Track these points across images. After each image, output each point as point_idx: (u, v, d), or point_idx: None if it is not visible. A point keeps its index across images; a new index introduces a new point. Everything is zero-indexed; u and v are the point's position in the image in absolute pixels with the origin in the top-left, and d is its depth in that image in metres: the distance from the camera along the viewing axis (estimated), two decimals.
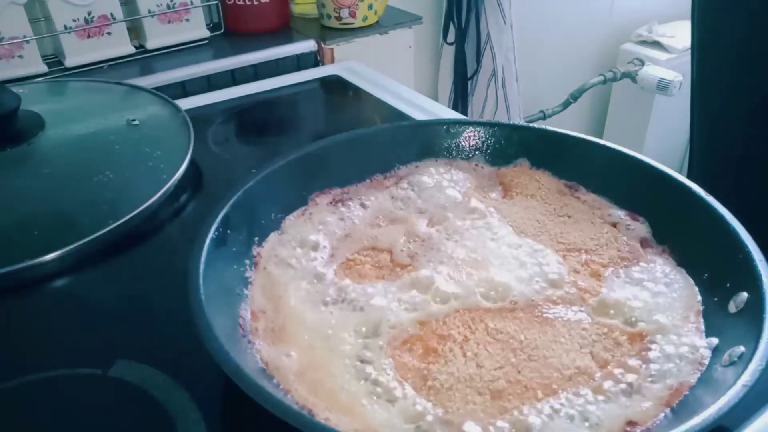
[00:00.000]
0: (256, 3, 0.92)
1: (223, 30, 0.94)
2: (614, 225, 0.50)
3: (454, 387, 0.37)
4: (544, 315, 0.42)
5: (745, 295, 0.39)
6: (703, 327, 0.41)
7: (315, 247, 0.48)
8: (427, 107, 0.77)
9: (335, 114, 0.86)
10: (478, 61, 1.40)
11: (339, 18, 0.93)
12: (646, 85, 1.61)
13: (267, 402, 0.31)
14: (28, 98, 0.64)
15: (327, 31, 0.94)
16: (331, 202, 0.52)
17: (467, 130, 0.57)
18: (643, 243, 0.48)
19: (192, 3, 0.89)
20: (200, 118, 0.72)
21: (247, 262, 0.45)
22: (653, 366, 0.38)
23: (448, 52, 1.40)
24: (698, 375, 0.37)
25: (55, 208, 0.57)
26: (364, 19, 0.94)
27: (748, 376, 0.33)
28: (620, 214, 0.50)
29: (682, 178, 0.48)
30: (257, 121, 0.80)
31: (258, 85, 0.85)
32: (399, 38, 0.98)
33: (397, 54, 0.99)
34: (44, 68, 0.83)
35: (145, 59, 0.88)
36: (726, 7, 0.74)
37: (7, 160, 0.61)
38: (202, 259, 0.40)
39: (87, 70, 0.84)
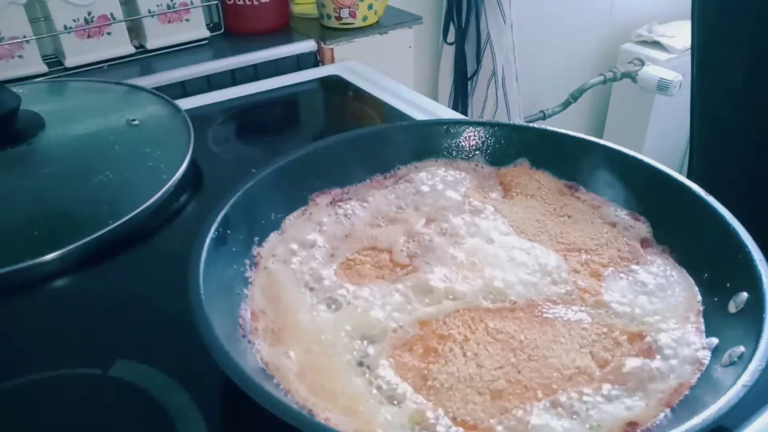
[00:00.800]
0: (256, 3, 0.92)
1: (223, 30, 0.94)
2: (614, 225, 0.50)
3: (454, 387, 0.37)
4: (544, 315, 0.42)
5: (745, 295, 0.39)
6: (703, 327, 0.41)
7: (315, 247, 0.48)
8: (427, 107, 0.77)
9: (335, 114, 0.86)
10: (478, 61, 1.40)
11: (339, 18, 0.93)
12: (646, 85, 1.61)
13: (267, 402, 0.31)
14: (28, 98, 0.64)
15: (327, 31, 0.94)
16: (331, 202, 0.52)
17: (467, 130, 0.57)
18: (643, 243, 0.48)
19: (192, 3, 0.89)
20: (200, 118, 0.72)
21: (247, 262, 0.45)
22: (653, 366, 0.38)
23: (448, 52, 1.40)
24: (698, 375, 0.37)
25: (55, 208, 0.57)
26: (364, 19, 0.94)
27: (748, 376, 0.33)
28: (620, 214, 0.50)
29: (682, 178, 0.48)
30: (257, 121, 0.80)
31: (258, 85, 0.85)
32: (399, 38, 0.98)
33: (397, 54, 0.99)
34: (44, 68, 0.83)
35: (145, 59, 0.88)
36: (726, 8, 0.74)
37: (7, 160, 0.61)
38: (202, 259, 0.40)
39: (87, 70, 0.84)
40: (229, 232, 0.44)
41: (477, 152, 0.57)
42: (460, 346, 0.39)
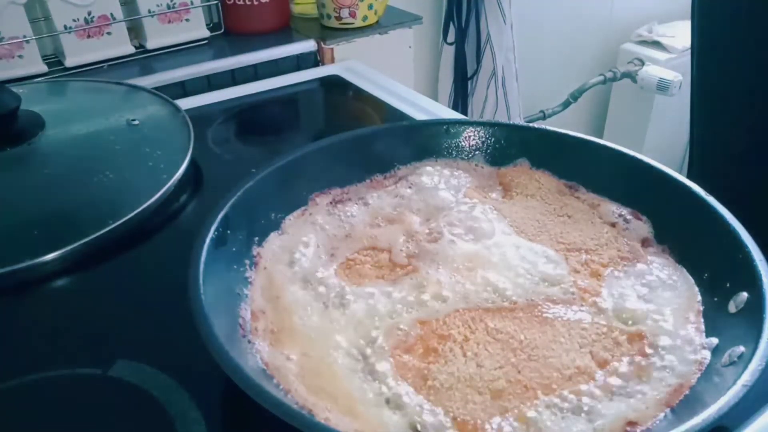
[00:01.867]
0: (256, 3, 0.92)
1: (223, 30, 0.94)
2: (614, 225, 0.50)
3: (454, 387, 0.37)
4: (544, 315, 0.42)
5: (745, 295, 0.39)
6: (703, 327, 0.41)
7: (315, 247, 0.48)
8: (427, 107, 0.77)
9: (335, 114, 0.86)
10: (478, 61, 1.40)
11: (339, 18, 0.93)
12: (646, 85, 1.61)
13: (267, 402, 0.31)
14: (28, 98, 0.64)
15: (327, 31, 0.94)
16: (331, 202, 0.52)
17: (467, 130, 0.57)
18: (644, 243, 0.48)
19: (192, 3, 0.89)
20: (200, 118, 0.72)
21: (247, 262, 0.45)
22: (653, 366, 0.38)
23: (448, 52, 1.40)
24: (698, 375, 0.37)
25: (55, 208, 0.57)
26: (364, 19, 0.94)
27: (748, 376, 0.33)
28: (620, 213, 0.50)
29: (682, 178, 0.48)
30: (257, 121, 0.80)
31: (258, 85, 0.85)
32: (399, 38, 0.98)
33: (397, 54, 0.99)
34: (44, 68, 0.83)
35: (145, 59, 0.88)
36: (726, 8, 0.74)
37: (7, 160, 0.61)
38: (202, 259, 0.40)
39: (87, 70, 0.84)
40: (229, 232, 0.44)
41: (477, 152, 0.57)
42: (460, 346, 0.39)
